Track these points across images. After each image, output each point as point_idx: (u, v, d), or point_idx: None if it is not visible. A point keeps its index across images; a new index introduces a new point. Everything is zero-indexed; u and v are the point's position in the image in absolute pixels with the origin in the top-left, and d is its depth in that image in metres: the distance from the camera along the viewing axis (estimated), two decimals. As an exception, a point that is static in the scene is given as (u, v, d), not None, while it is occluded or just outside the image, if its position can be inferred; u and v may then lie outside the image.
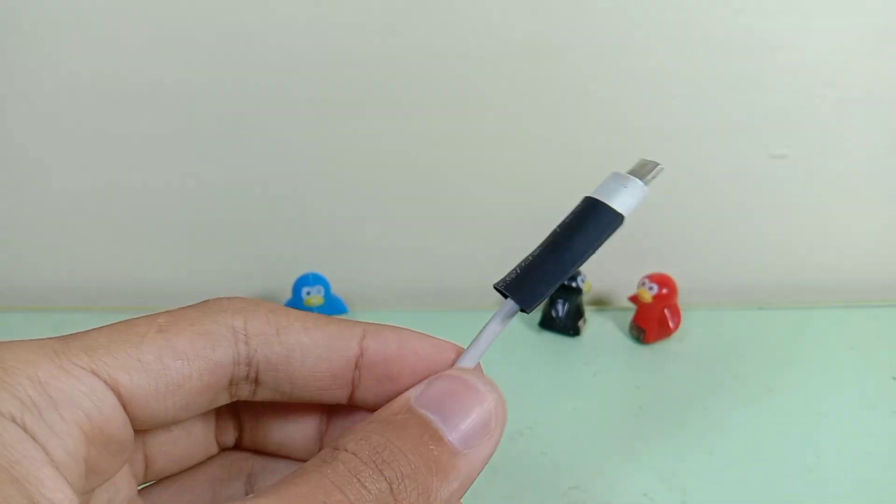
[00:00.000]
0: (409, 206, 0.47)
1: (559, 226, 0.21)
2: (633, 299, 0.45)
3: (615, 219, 0.21)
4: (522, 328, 0.45)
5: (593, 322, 0.46)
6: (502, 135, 0.45)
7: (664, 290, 0.44)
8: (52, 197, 0.47)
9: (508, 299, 0.20)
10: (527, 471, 0.36)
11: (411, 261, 0.49)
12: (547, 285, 0.20)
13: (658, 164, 0.22)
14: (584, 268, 0.39)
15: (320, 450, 0.22)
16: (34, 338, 0.18)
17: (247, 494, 0.23)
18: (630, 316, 0.45)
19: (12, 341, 0.17)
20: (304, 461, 0.22)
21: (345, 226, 0.48)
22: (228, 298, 0.20)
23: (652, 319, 0.44)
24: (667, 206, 0.47)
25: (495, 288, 0.21)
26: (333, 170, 0.46)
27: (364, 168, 0.46)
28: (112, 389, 0.17)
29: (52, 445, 0.16)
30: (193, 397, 0.19)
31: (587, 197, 0.21)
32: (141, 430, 0.18)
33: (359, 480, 0.17)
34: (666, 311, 0.44)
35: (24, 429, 0.16)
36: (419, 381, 0.21)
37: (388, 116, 0.44)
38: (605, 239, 0.21)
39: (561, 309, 0.44)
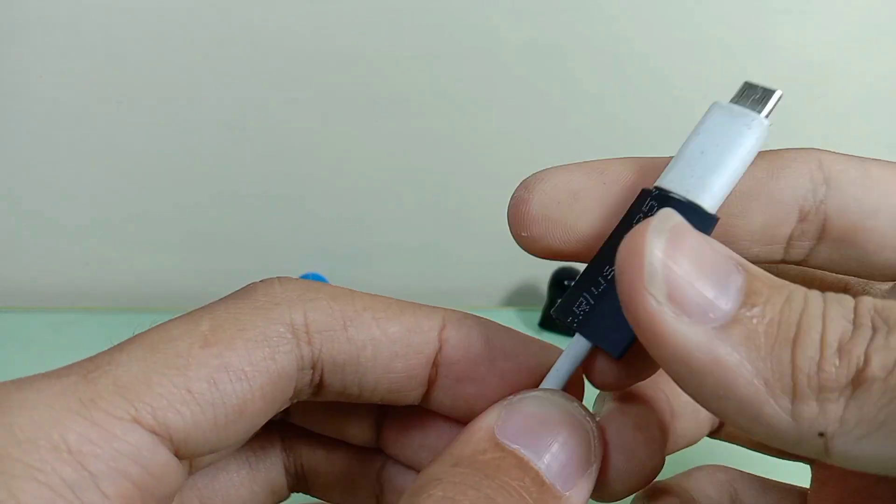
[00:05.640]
0: (409, 206, 0.47)
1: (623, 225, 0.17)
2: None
3: (706, 222, 0.16)
4: (522, 328, 0.45)
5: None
6: (503, 134, 0.45)
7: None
8: (52, 197, 0.46)
9: None
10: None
11: (412, 260, 0.49)
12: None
13: (773, 91, 0.18)
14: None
15: (377, 438, 0.19)
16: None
17: (285, 465, 0.20)
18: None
19: (23, 384, 0.14)
20: (352, 445, 0.19)
21: (345, 226, 0.48)
22: (281, 282, 0.17)
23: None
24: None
25: (556, 318, 0.18)
26: (334, 170, 0.46)
27: (365, 168, 0.46)
28: (161, 437, 0.14)
29: None
30: (257, 418, 0.16)
31: (660, 193, 0.17)
32: (194, 457, 0.15)
33: None
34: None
35: None
36: (506, 387, 0.17)
37: (388, 116, 0.44)
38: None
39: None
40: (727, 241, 0.17)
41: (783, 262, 0.18)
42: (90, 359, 0.14)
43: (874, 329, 0.12)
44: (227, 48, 0.42)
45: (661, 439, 0.18)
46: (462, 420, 0.18)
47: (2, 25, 0.41)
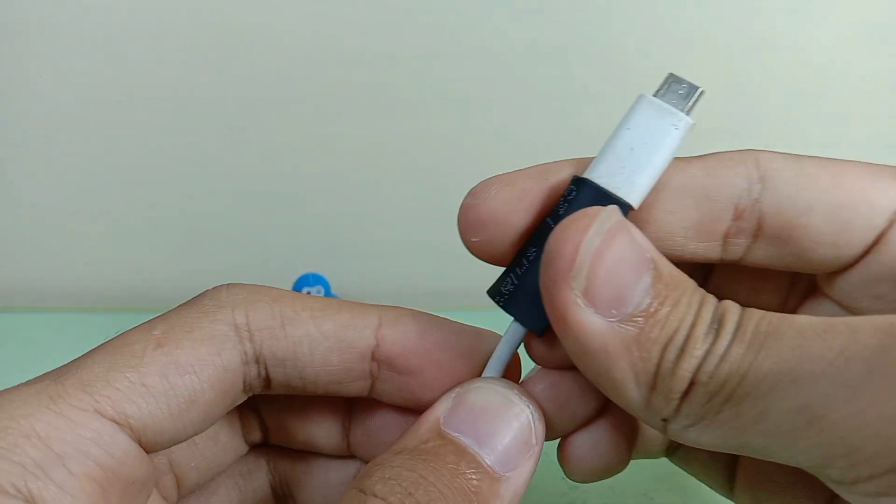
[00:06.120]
0: (409, 206, 0.47)
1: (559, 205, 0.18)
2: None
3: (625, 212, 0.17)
4: (522, 328, 0.45)
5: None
6: (503, 134, 0.45)
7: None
8: (52, 197, 0.46)
9: None
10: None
11: (412, 260, 0.49)
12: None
13: (697, 88, 0.19)
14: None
15: (348, 446, 0.21)
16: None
17: (271, 484, 0.22)
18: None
19: (6, 391, 0.16)
20: (329, 456, 0.21)
21: (345, 226, 0.48)
22: (227, 288, 0.19)
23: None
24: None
25: (490, 295, 0.19)
26: (333, 170, 0.46)
27: (364, 167, 0.46)
28: (121, 425, 0.16)
29: None
30: (209, 408, 0.17)
31: (580, 179, 0.18)
32: (160, 450, 0.17)
33: None
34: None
35: (31, 498, 0.14)
36: (444, 375, 0.19)
37: (388, 116, 0.44)
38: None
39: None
40: (663, 237, 0.18)
41: (721, 260, 0.19)
42: (62, 366, 0.17)
43: (716, 335, 0.15)
44: (226, 48, 0.42)
45: (589, 387, 0.19)
46: (415, 410, 0.19)
47: (2, 25, 0.41)
